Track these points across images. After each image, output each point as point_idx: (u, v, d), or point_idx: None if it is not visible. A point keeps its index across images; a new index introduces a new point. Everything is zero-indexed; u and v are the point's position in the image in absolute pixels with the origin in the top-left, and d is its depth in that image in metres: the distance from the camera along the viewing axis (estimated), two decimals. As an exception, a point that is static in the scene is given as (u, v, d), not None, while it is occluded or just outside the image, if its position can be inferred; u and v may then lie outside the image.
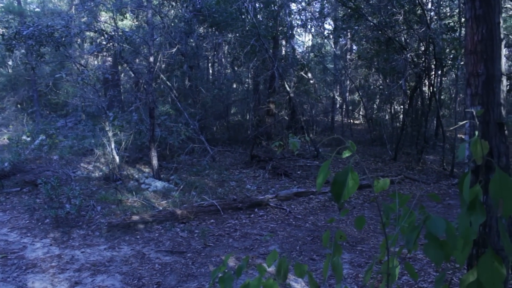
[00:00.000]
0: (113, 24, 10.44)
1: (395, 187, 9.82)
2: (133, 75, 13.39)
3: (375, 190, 2.07)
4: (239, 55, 14.12)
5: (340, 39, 18.89)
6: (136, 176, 9.79)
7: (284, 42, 16.78)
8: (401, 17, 9.93)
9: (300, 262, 5.40)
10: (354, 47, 20.79)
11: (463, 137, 14.74)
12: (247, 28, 12.42)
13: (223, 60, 19.71)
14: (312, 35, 23.28)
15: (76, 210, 6.83)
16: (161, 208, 7.57)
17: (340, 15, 14.78)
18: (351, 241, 6.29)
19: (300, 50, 21.70)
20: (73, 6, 16.04)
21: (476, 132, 1.89)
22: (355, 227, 2.07)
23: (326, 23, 21.58)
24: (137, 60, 15.26)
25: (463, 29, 11.38)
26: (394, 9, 10.09)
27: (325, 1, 17.20)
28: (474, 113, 2.36)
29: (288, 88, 13.30)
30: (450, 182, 10.62)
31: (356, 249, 5.92)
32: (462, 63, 11.74)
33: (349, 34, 16.67)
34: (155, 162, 9.69)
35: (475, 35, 2.29)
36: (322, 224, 7.25)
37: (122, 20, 13.76)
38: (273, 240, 6.33)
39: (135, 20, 15.80)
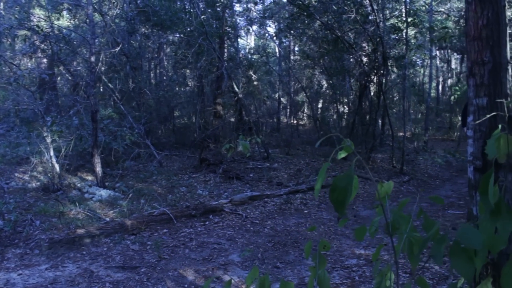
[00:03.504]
0: (49, 22, 9.65)
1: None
2: (70, 77, 12.54)
3: (380, 194, 1.81)
4: (185, 56, 13.63)
5: (284, 40, 18.85)
6: (79, 185, 9.08)
7: (229, 43, 16.46)
8: (353, 15, 9.90)
9: (264, 271, 5.09)
10: (297, 48, 20.86)
11: (407, 135, 14.92)
12: (192, 28, 11.98)
13: (165, 62, 19.09)
14: (256, 36, 23.15)
15: (11, 226, 6.12)
16: (108, 219, 6.99)
17: (286, 16, 14.68)
18: (313, 244, 6.04)
19: (243, 52, 21.46)
20: (1, 3, 14.87)
21: (500, 126, 1.62)
22: (355, 237, 1.81)
23: (269, 26, 21.47)
24: (75, 63, 14.36)
25: (409, 29, 11.54)
26: (346, 7, 10.04)
27: (271, 2, 17.07)
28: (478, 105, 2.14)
29: (236, 89, 12.98)
30: (401, 180, 10.72)
31: (320, 253, 5.67)
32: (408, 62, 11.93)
33: (292, 36, 16.55)
34: (98, 169, 9.04)
35: (479, 19, 2.05)
36: (281, 228, 6.97)
37: (58, 19, 12.89)
38: (232, 249, 5.96)
39: (72, 20, 14.89)
